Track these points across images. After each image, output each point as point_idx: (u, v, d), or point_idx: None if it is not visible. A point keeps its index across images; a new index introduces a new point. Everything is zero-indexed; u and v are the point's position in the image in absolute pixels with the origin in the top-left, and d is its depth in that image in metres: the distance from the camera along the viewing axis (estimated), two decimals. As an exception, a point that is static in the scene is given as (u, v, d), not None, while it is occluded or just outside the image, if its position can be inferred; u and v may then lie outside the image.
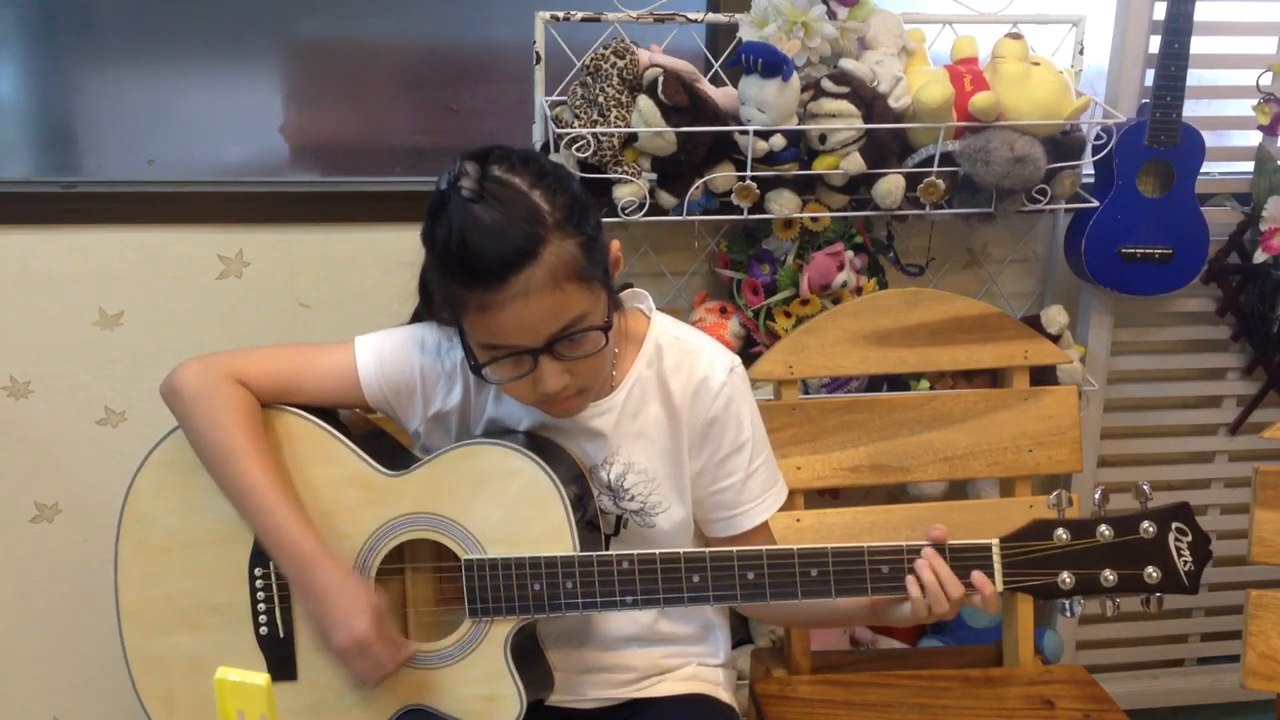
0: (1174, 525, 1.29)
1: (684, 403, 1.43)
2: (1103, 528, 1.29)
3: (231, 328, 2.06)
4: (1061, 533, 1.30)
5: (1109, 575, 1.30)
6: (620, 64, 1.86)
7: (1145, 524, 1.29)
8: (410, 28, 2.14)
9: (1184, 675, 2.51)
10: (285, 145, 2.16)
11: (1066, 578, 1.30)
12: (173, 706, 1.44)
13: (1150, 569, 1.29)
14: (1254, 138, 2.23)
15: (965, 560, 1.32)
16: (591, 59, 1.88)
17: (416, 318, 1.45)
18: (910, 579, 1.33)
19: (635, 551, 1.35)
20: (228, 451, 1.36)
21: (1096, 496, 1.31)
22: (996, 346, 1.88)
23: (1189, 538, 1.29)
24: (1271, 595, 1.63)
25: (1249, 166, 2.23)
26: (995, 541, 1.31)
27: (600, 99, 1.86)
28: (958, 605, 1.33)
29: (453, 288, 1.26)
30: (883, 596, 1.36)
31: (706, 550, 1.36)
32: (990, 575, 1.32)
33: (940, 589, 1.31)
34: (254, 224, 2.05)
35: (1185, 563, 1.29)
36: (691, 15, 1.98)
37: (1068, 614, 1.32)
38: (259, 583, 1.41)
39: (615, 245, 1.36)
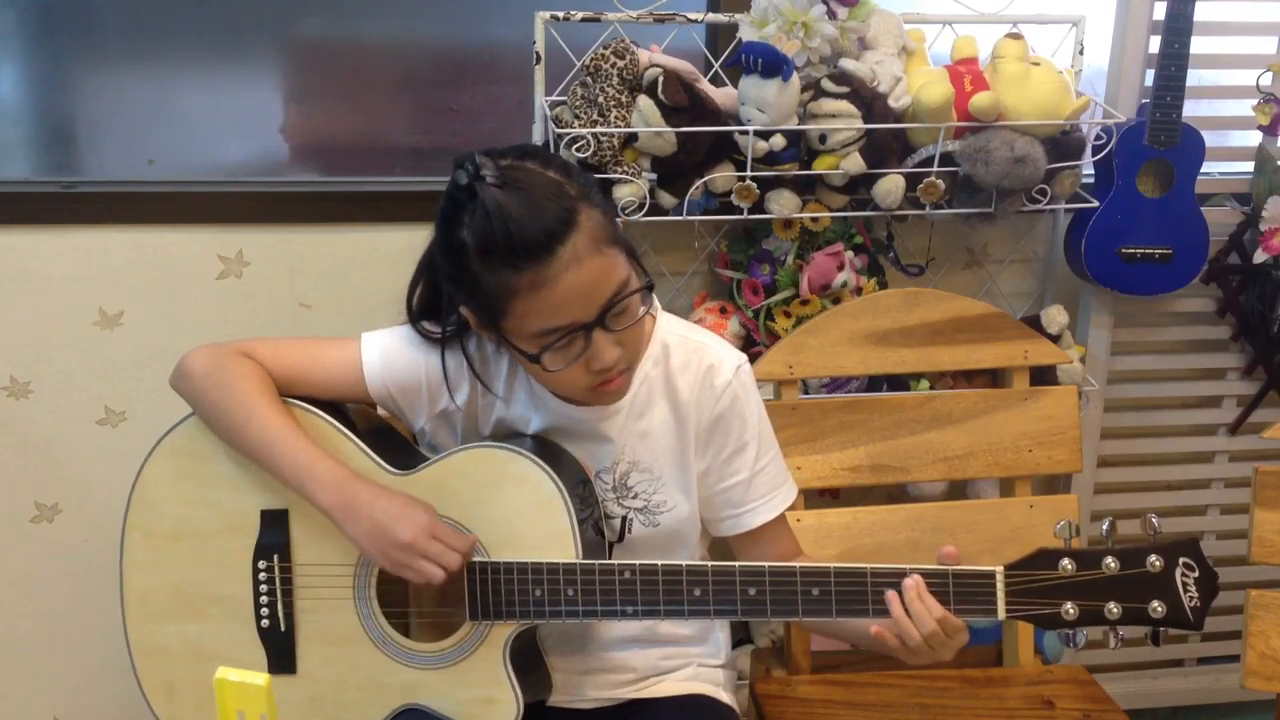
0: (1181, 560, 1.27)
1: (690, 401, 1.43)
2: (1109, 560, 1.27)
3: (231, 328, 2.06)
4: (1067, 563, 1.28)
5: (1113, 608, 1.28)
6: (620, 64, 1.86)
7: (1152, 558, 1.27)
8: (410, 28, 2.14)
9: (1184, 675, 2.51)
10: (285, 145, 2.16)
11: (1070, 608, 1.28)
12: (173, 695, 1.45)
13: (1155, 603, 1.27)
14: (1254, 138, 2.22)
15: (967, 586, 1.30)
16: (591, 59, 1.88)
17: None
18: (889, 596, 1.31)
19: (637, 562, 1.35)
20: (246, 412, 1.36)
21: (1104, 528, 1.29)
22: (996, 346, 1.88)
23: (1196, 573, 1.27)
24: (1271, 595, 1.64)
25: (1249, 166, 2.23)
26: (999, 569, 1.30)
27: (600, 99, 1.86)
28: (936, 640, 1.30)
29: (500, 276, 1.25)
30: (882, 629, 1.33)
31: (709, 564, 1.35)
32: (993, 602, 1.30)
33: (908, 620, 1.29)
34: (254, 224, 2.05)
35: (1191, 598, 1.27)
36: (691, 15, 1.98)
37: (1071, 645, 1.31)
38: (262, 575, 1.42)
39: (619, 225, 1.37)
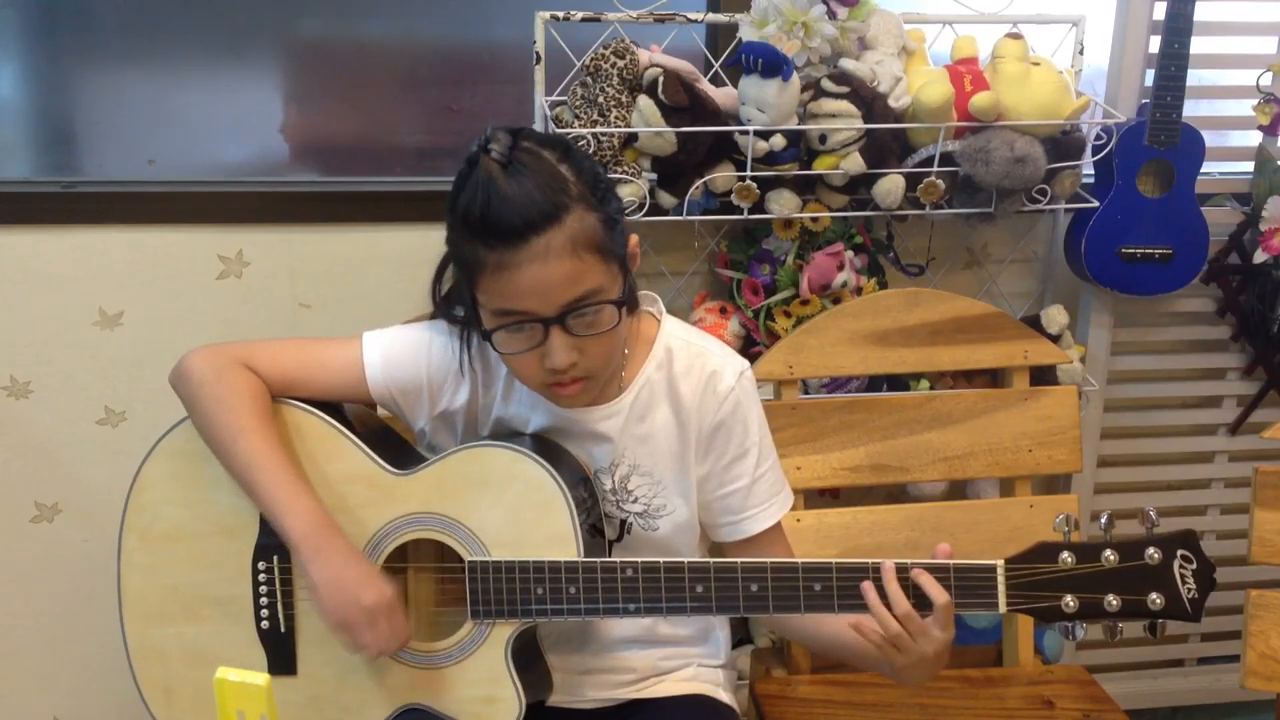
0: (1179, 552, 1.28)
1: (693, 406, 1.43)
2: (1108, 552, 1.28)
3: (231, 328, 2.06)
4: (1066, 556, 1.29)
5: (1112, 600, 1.29)
6: (620, 64, 1.86)
7: (1150, 550, 1.28)
8: (410, 28, 2.14)
9: (1184, 675, 2.51)
10: (285, 145, 2.16)
11: (1070, 601, 1.29)
12: (171, 697, 1.45)
13: (1154, 595, 1.28)
14: (1254, 138, 2.23)
15: (969, 580, 1.31)
16: (591, 59, 1.88)
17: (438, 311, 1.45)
18: (865, 586, 1.31)
19: (639, 559, 1.35)
20: (235, 431, 1.36)
21: (1103, 521, 1.30)
22: (996, 346, 1.88)
23: (1194, 565, 1.28)
24: (1271, 595, 1.64)
25: (1249, 166, 2.23)
26: (1000, 563, 1.30)
27: (600, 99, 1.86)
28: (910, 621, 1.30)
29: (473, 247, 1.26)
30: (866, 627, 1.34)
31: (710, 560, 1.35)
32: (994, 596, 1.30)
33: (883, 607, 1.29)
34: (254, 224, 2.05)
35: (1189, 590, 1.28)
36: (691, 15, 1.98)
37: (1070, 637, 1.31)
38: (262, 576, 1.42)
39: (634, 240, 1.36)
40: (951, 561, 1.31)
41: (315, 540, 1.33)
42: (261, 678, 0.99)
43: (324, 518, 1.34)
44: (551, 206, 1.24)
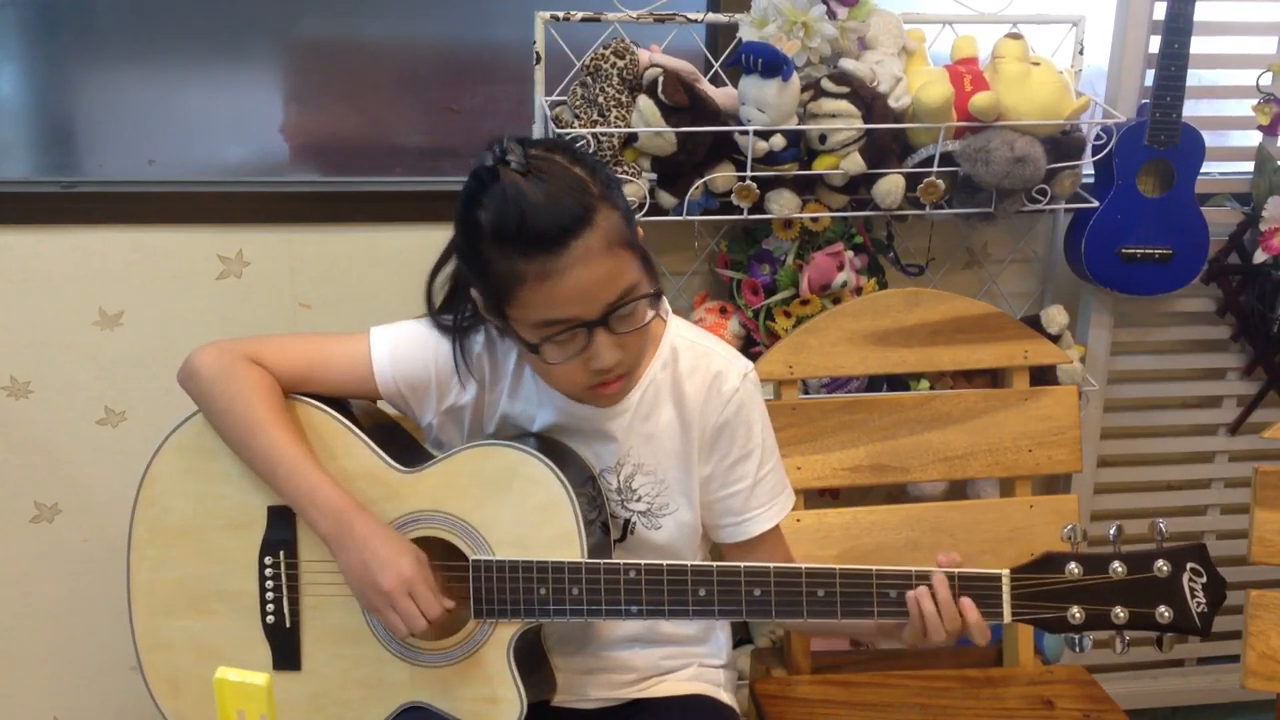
0: (1189, 565, 1.27)
1: (697, 406, 1.43)
2: (1116, 564, 1.27)
3: (231, 328, 2.06)
4: (1074, 567, 1.28)
5: (1120, 612, 1.28)
6: (620, 64, 1.86)
7: (1159, 563, 1.27)
8: (410, 28, 2.15)
9: (1184, 675, 2.51)
10: (285, 145, 2.16)
11: (1076, 612, 1.28)
12: (177, 689, 1.46)
13: (1162, 608, 1.27)
14: (1254, 138, 2.23)
15: (974, 589, 1.30)
16: (591, 59, 1.88)
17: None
18: (911, 597, 1.31)
19: (643, 561, 1.35)
20: (252, 425, 1.36)
21: (1112, 532, 1.28)
22: (996, 346, 1.88)
23: (1203, 579, 1.27)
24: (1271, 595, 1.64)
25: (1249, 166, 2.23)
26: (1005, 572, 1.30)
27: (600, 99, 1.86)
28: (955, 635, 1.31)
29: (510, 262, 1.25)
30: (888, 621, 1.35)
31: (714, 564, 1.36)
32: (999, 605, 1.30)
33: (938, 619, 1.30)
34: (254, 224, 2.05)
35: (1198, 604, 1.27)
36: (691, 15, 1.98)
37: (1077, 649, 1.30)
38: (268, 572, 1.42)
39: (639, 230, 1.36)
40: (957, 570, 1.31)
41: (337, 529, 1.34)
42: (261, 677, 0.99)
43: (343, 504, 1.35)
44: (582, 209, 1.24)
